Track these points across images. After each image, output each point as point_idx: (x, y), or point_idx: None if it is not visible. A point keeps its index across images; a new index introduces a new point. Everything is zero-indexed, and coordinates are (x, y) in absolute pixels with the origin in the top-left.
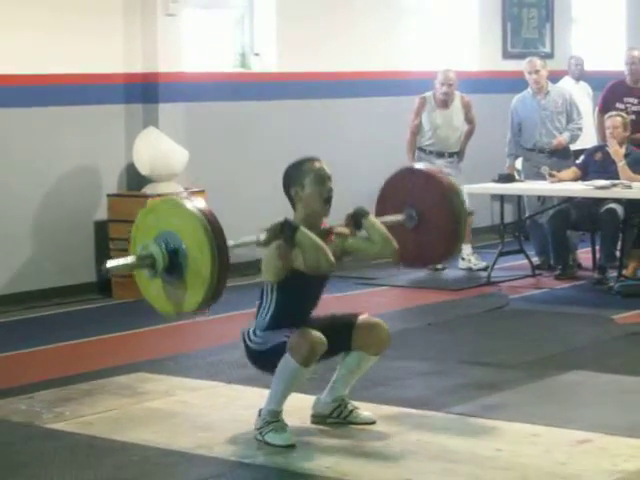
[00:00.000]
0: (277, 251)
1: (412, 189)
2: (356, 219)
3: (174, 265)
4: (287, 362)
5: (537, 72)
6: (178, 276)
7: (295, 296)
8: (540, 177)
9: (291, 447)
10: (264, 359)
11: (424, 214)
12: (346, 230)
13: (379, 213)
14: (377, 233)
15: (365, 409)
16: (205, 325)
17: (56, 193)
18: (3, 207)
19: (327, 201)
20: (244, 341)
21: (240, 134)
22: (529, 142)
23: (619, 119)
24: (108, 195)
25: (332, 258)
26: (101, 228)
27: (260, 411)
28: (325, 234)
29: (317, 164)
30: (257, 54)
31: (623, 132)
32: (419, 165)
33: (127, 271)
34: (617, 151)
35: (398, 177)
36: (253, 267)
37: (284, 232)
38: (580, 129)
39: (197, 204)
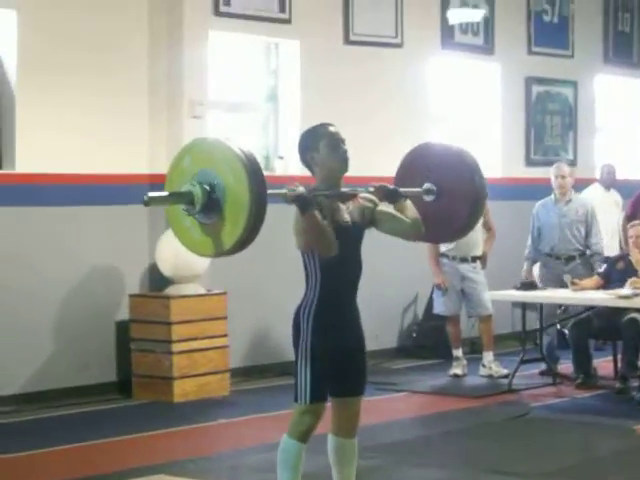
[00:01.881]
0: (299, 216)
1: (432, 163)
2: (392, 196)
3: (212, 201)
4: (286, 444)
5: (563, 177)
6: (216, 212)
7: (336, 260)
8: (556, 283)
9: None
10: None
11: (444, 189)
12: (373, 198)
13: (398, 185)
14: (411, 214)
15: None
16: (226, 427)
17: (79, 292)
18: (26, 304)
19: (344, 161)
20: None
21: (262, 236)
22: (547, 247)
23: None
24: (130, 295)
25: (335, 247)
26: (123, 328)
27: None
28: (349, 196)
29: (331, 128)
30: (281, 157)
31: None
32: (439, 141)
33: (167, 204)
34: (639, 261)
35: (418, 152)
36: (274, 370)
37: (297, 204)
38: (600, 253)
39: (231, 142)
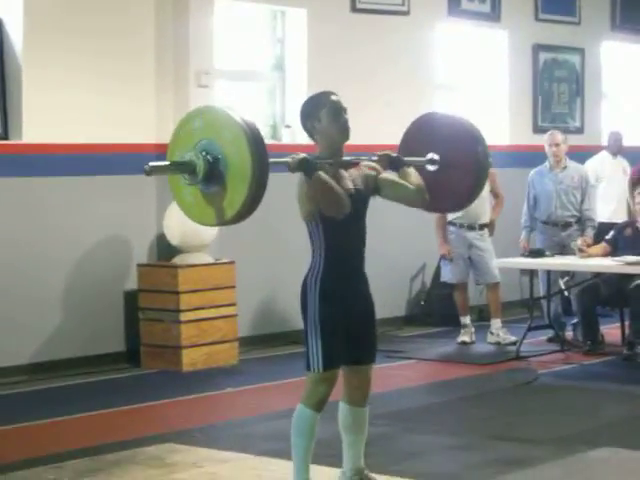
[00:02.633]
0: (303, 184)
1: (436, 133)
2: (395, 164)
3: (214, 171)
4: (302, 413)
5: (557, 145)
6: (218, 181)
7: (341, 228)
8: (554, 250)
9: None
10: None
11: (447, 159)
12: (377, 166)
13: (401, 154)
14: (414, 180)
15: None
16: (234, 396)
17: (87, 262)
18: (35, 274)
19: (345, 130)
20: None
21: (269, 206)
22: (544, 215)
23: None
24: (138, 265)
25: (347, 204)
26: (131, 297)
27: None
28: (352, 164)
29: (333, 97)
30: (288, 126)
31: None
32: (443, 110)
33: (168, 173)
34: None
35: (422, 121)
36: (282, 338)
37: (302, 169)
38: (593, 219)
39: (232, 111)
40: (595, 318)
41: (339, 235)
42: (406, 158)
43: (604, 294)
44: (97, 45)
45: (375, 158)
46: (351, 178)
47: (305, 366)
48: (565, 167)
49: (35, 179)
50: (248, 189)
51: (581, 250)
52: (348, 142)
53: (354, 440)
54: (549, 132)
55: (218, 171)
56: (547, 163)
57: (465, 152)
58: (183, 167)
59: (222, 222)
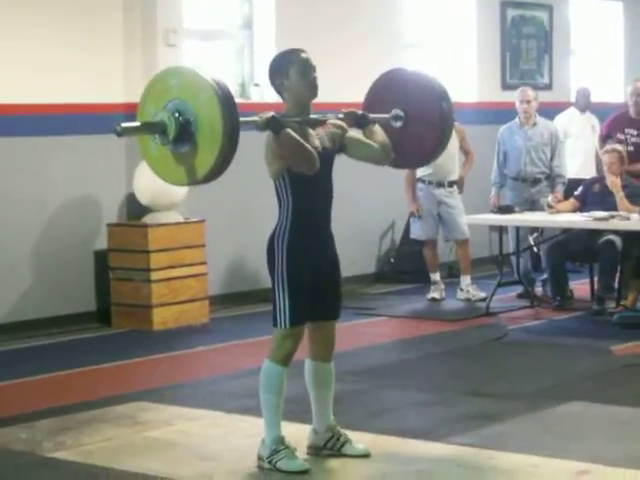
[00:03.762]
0: (271, 143)
1: (401, 90)
2: (360, 121)
3: (185, 131)
4: (269, 368)
5: (528, 102)
6: (189, 141)
7: (307, 186)
8: (524, 206)
9: (306, 472)
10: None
11: (411, 115)
12: (343, 124)
13: (366, 111)
14: (380, 138)
15: (363, 439)
16: (204, 355)
17: (56, 222)
18: (3, 235)
19: (313, 87)
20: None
21: (238, 164)
22: (513, 171)
23: (615, 154)
24: (108, 224)
25: (316, 162)
26: (101, 257)
27: (263, 440)
28: (319, 122)
29: (302, 54)
30: (257, 84)
31: (620, 166)
32: (408, 67)
33: (139, 133)
34: (614, 183)
35: (386, 77)
36: (252, 297)
37: (270, 127)
38: (563, 175)
39: (203, 72)
40: (564, 273)
41: (306, 193)
42: (371, 115)
43: (573, 249)
44: (64, 4)
45: (341, 116)
46: (318, 136)
47: (272, 322)
48: (535, 124)
49: (3, 139)
50: (219, 149)
51: (550, 206)
52: (314, 100)
53: (321, 396)
54: (520, 88)
55: (189, 132)
56: (517, 120)
57: (429, 108)
58: (154, 128)
59: (193, 182)
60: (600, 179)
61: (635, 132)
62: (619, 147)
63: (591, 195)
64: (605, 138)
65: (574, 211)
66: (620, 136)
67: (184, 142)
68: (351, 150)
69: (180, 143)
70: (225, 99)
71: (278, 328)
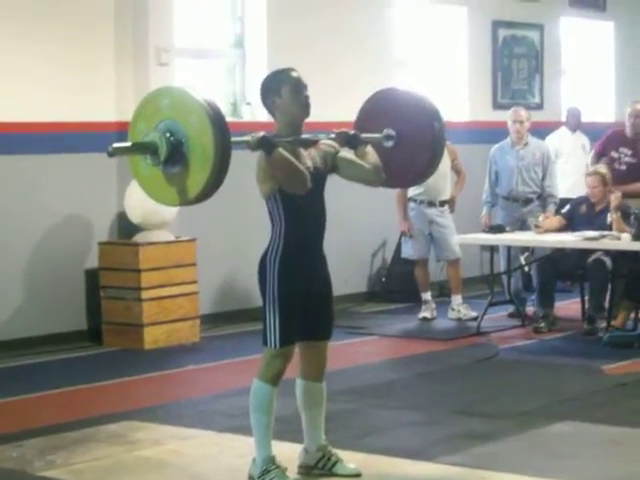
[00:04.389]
0: (262, 163)
1: (392, 109)
2: (352, 142)
3: (176, 151)
4: (258, 388)
5: (521, 123)
6: (180, 162)
7: (300, 206)
8: (515, 226)
9: None
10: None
11: (403, 135)
12: (335, 144)
13: (358, 131)
14: (372, 159)
15: (354, 459)
16: (196, 374)
17: (47, 241)
18: None
19: (305, 106)
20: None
21: (230, 184)
22: (505, 191)
23: (597, 177)
24: (99, 243)
25: (308, 181)
26: (92, 276)
27: (254, 460)
28: (310, 142)
29: (294, 74)
30: (249, 103)
31: (603, 188)
32: (400, 87)
33: (131, 154)
34: (616, 220)
35: (378, 97)
36: (243, 315)
37: (262, 147)
38: (554, 195)
39: (194, 92)
40: (552, 292)
41: (298, 214)
42: (363, 135)
43: (564, 267)
44: (56, 28)
45: (332, 136)
46: (310, 156)
47: (262, 341)
48: (527, 143)
49: None
50: (211, 170)
51: (537, 226)
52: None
53: (313, 415)
54: (513, 109)
55: (181, 152)
56: (509, 139)
57: (421, 128)
58: (145, 148)
59: (185, 202)
60: (586, 199)
61: (629, 152)
62: (602, 169)
63: (578, 216)
64: (599, 155)
65: (561, 229)
66: (614, 154)
67: (175, 163)
68: (342, 170)
69: (171, 164)
70: (216, 119)
71: (268, 347)
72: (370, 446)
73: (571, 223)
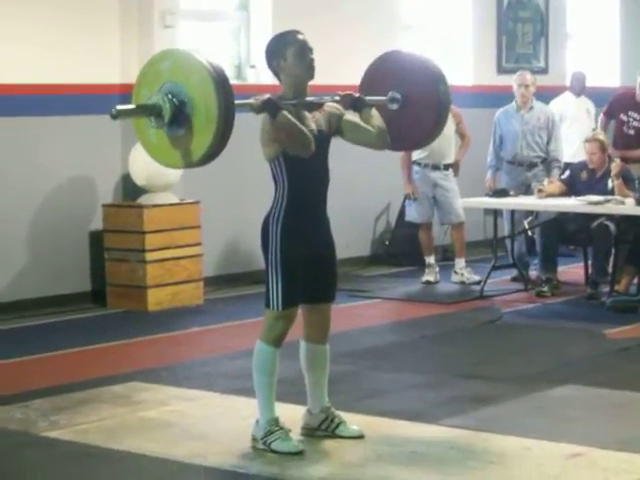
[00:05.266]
0: (267, 125)
1: (398, 72)
2: (357, 104)
3: (180, 114)
4: (261, 349)
5: (526, 87)
6: (184, 124)
7: (303, 169)
8: (519, 190)
9: (300, 454)
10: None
11: (408, 98)
12: (339, 107)
13: (363, 93)
14: (376, 123)
15: (357, 421)
16: (200, 335)
17: (51, 203)
18: None
19: (310, 69)
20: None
21: (234, 146)
22: (509, 154)
23: (596, 144)
24: (103, 205)
25: (312, 144)
26: (96, 238)
27: (257, 421)
28: (315, 105)
29: (299, 36)
30: (253, 66)
31: (602, 155)
32: (405, 50)
33: (135, 116)
34: (619, 186)
35: (383, 60)
36: (247, 278)
37: (267, 110)
38: (559, 159)
39: (198, 54)
40: (555, 256)
41: (301, 176)
42: (368, 97)
43: (568, 230)
44: None
45: (337, 98)
46: (314, 119)
47: (264, 303)
48: (531, 108)
49: None
50: (215, 132)
51: (540, 190)
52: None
53: (316, 378)
54: (518, 72)
55: (184, 114)
56: (514, 103)
57: (426, 90)
58: (149, 110)
59: (189, 164)
60: (586, 165)
61: (638, 116)
62: (600, 136)
63: (579, 182)
64: (608, 115)
65: (562, 194)
66: (623, 117)
67: (179, 125)
68: (347, 134)
69: (175, 126)
70: (220, 82)
71: (270, 309)
72: (373, 408)
73: (572, 189)
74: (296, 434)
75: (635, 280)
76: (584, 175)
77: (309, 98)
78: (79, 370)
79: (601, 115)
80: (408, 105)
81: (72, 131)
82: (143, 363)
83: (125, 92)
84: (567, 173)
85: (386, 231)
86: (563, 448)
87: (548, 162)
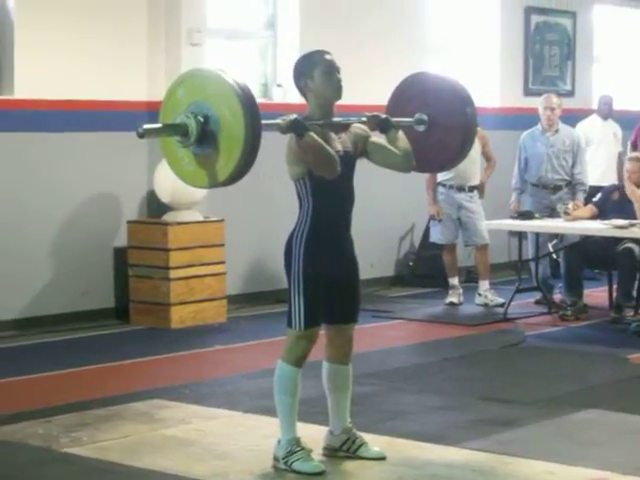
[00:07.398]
0: (293, 145)
1: (425, 94)
2: (383, 126)
3: (206, 133)
4: (282, 370)
5: (552, 109)
6: (211, 144)
7: (328, 189)
8: (544, 213)
9: (321, 474)
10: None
11: (435, 120)
12: (366, 129)
13: (389, 114)
14: (403, 145)
15: (380, 442)
16: (223, 354)
17: (78, 218)
18: (24, 229)
19: (337, 89)
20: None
21: (260, 165)
22: (534, 177)
23: (637, 164)
24: (128, 222)
25: (338, 166)
26: (120, 254)
27: (279, 441)
28: (342, 126)
29: (327, 56)
30: (279, 85)
31: None
32: (432, 71)
33: (161, 135)
34: (634, 192)
35: (410, 81)
36: (270, 297)
37: (294, 130)
38: (584, 183)
39: (226, 74)
40: (580, 279)
41: (326, 196)
42: (394, 119)
43: (592, 254)
44: (89, 2)
45: (364, 119)
46: (340, 140)
47: (287, 323)
48: (557, 130)
49: (27, 135)
50: (241, 152)
51: (567, 213)
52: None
53: (339, 398)
54: (545, 95)
55: (211, 133)
56: (539, 126)
57: (453, 113)
58: (176, 129)
59: (215, 184)
60: (619, 187)
61: None
62: None
63: (610, 203)
64: (635, 145)
65: (591, 218)
66: None
67: (206, 145)
68: (373, 156)
69: (201, 146)
70: (247, 102)
71: (292, 329)
72: (395, 430)
73: (603, 211)
74: (317, 454)
75: None
76: (616, 195)
77: (336, 118)
78: (101, 386)
79: (629, 145)
80: (435, 127)
81: (99, 147)
82: (165, 380)
83: (152, 109)
84: (598, 196)
85: (410, 252)
86: (586, 473)
87: (573, 185)
